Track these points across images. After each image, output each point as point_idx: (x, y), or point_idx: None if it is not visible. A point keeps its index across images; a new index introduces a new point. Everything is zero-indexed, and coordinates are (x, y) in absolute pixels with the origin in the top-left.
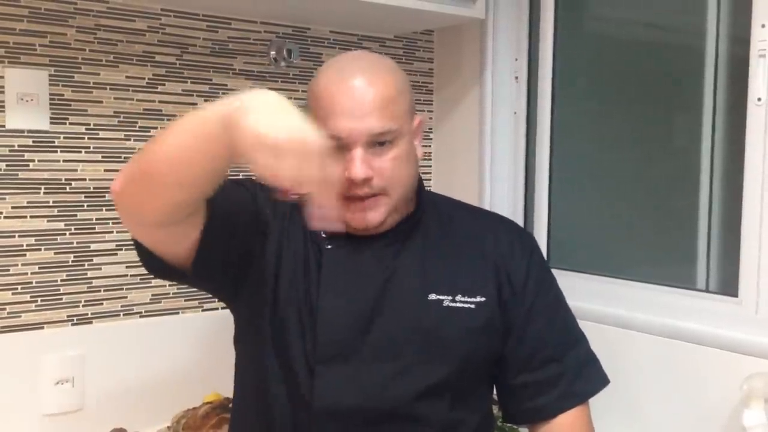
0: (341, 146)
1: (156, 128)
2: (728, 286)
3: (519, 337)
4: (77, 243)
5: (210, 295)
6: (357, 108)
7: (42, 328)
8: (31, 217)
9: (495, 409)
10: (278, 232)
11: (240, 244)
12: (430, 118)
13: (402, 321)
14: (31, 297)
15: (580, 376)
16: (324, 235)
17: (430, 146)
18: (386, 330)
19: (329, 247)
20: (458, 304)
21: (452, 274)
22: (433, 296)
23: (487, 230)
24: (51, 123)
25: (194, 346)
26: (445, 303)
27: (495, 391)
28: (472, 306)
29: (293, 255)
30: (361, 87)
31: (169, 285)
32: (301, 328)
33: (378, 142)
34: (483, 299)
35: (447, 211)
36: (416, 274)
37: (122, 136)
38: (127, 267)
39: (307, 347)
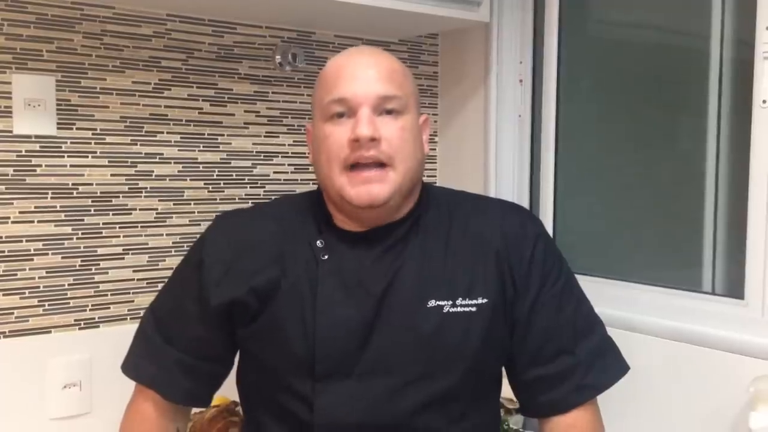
0: (349, 114)
1: (162, 132)
2: (734, 288)
3: (524, 331)
4: (84, 247)
5: None
6: (364, 76)
7: (49, 332)
8: (39, 221)
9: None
10: (271, 282)
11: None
12: (435, 122)
13: (400, 333)
14: (38, 301)
15: (595, 367)
16: (320, 245)
17: (435, 149)
18: (384, 344)
19: (325, 257)
20: (459, 309)
21: (452, 275)
22: (432, 302)
23: (489, 223)
24: (58, 128)
25: None
26: (446, 309)
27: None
28: (473, 309)
29: (292, 283)
30: (368, 60)
31: None
32: (303, 345)
33: (386, 110)
34: (485, 301)
35: (447, 205)
36: (415, 280)
37: (128, 141)
38: (133, 271)
39: (308, 365)
